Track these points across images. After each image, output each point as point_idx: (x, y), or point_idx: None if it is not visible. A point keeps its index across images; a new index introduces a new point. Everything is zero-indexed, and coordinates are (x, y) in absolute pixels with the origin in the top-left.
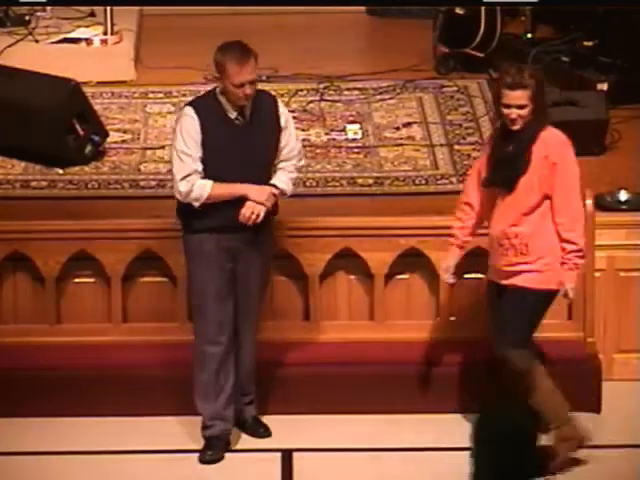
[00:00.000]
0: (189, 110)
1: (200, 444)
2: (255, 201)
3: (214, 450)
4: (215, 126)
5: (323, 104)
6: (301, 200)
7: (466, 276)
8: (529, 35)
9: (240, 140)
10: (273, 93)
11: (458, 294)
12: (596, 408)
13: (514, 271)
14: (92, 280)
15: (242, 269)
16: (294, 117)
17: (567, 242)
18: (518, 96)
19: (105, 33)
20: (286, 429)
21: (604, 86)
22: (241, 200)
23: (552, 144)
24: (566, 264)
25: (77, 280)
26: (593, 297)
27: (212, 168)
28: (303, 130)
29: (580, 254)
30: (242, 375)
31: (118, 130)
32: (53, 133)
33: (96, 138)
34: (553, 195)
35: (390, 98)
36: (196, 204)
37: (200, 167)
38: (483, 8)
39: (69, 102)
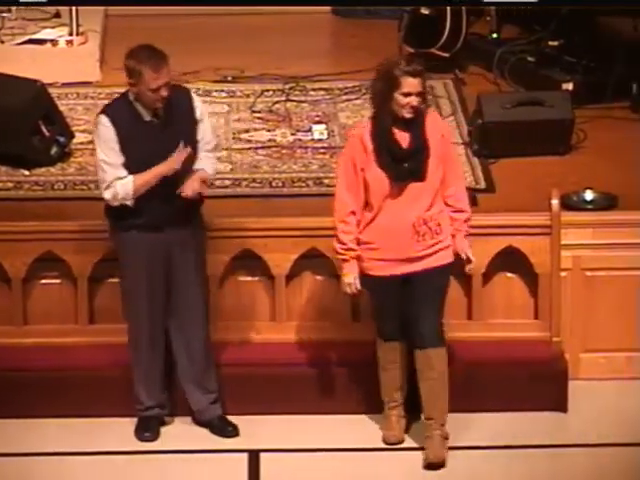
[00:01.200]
0: (103, 119)
1: (169, 445)
2: (171, 168)
3: (151, 431)
4: (131, 131)
5: (289, 104)
6: (267, 200)
7: None
8: (494, 35)
9: (157, 140)
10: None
11: None
12: (562, 407)
13: (429, 253)
14: (58, 281)
15: (177, 265)
16: (260, 117)
17: (460, 211)
18: (417, 83)
19: (70, 34)
20: (253, 429)
21: (569, 86)
22: (168, 197)
23: (440, 123)
24: (461, 232)
25: (44, 281)
26: (559, 297)
27: (135, 172)
28: (269, 130)
29: (469, 222)
30: (195, 372)
31: (84, 131)
32: (19, 134)
33: (62, 139)
34: (445, 169)
35: (356, 98)
36: (129, 202)
37: (123, 173)
38: (448, 9)
39: (35, 103)
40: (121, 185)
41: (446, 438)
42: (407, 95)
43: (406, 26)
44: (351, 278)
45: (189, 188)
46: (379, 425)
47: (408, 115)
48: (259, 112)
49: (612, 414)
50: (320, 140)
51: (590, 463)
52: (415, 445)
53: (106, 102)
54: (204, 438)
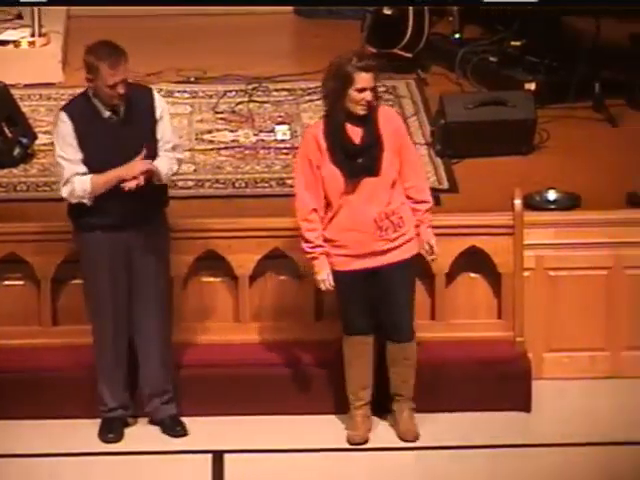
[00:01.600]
0: (62, 115)
1: (132, 446)
2: (130, 172)
3: (115, 433)
4: (90, 127)
5: (252, 105)
6: (230, 201)
7: None
8: (457, 35)
9: (116, 138)
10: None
11: None
12: (526, 407)
13: (394, 247)
14: (22, 283)
15: (138, 265)
16: (222, 118)
17: (422, 202)
18: (370, 78)
19: (33, 35)
20: (217, 430)
21: (532, 86)
22: (130, 198)
23: (393, 116)
24: (424, 223)
25: (7, 283)
26: (522, 296)
27: (94, 168)
28: (232, 131)
29: (431, 212)
30: (152, 372)
31: (46, 132)
32: None
33: (24, 140)
34: (402, 162)
35: (319, 99)
36: (86, 200)
37: (82, 169)
38: (411, 9)
39: None
40: (79, 182)
41: (414, 410)
42: (361, 91)
43: (369, 26)
44: (324, 275)
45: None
46: (344, 425)
47: (362, 111)
48: (222, 113)
49: (576, 414)
50: (283, 140)
51: (554, 462)
52: (382, 445)
53: None
54: (168, 439)
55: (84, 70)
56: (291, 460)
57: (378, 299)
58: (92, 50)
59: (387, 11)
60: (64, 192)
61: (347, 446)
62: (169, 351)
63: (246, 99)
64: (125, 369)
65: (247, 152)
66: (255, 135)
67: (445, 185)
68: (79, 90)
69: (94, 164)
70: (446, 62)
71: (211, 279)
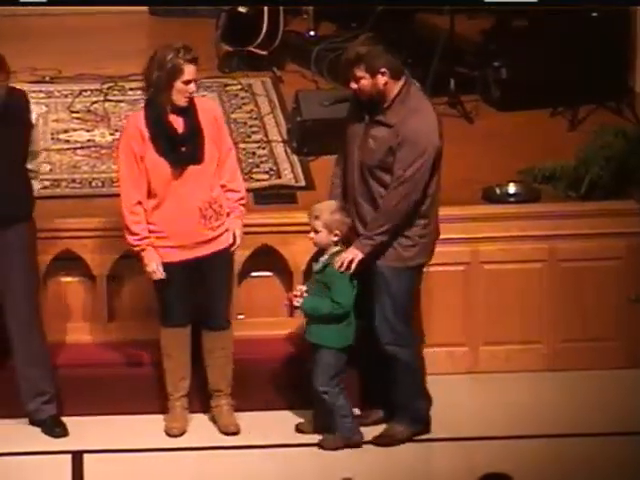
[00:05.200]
0: None
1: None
2: None
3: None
4: None
5: (107, 104)
6: (88, 201)
7: (254, 274)
8: (312, 32)
9: None
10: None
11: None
12: None
13: (215, 236)
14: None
15: (3, 268)
16: (78, 118)
17: (233, 191)
18: (195, 70)
19: None
20: (77, 431)
21: None
22: None
23: (211, 105)
24: (234, 212)
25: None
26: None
27: None
28: (88, 131)
29: (244, 201)
30: (30, 374)
31: None
32: None
33: None
34: (219, 150)
35: None
36: None
37: None
38: (265, 7)
39: None
40: None
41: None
42: (187, 83)
43: (223, 25)
44: (153, 266)
45: None
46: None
47: (185, 103)
48: (77, 112)
49: (454, 408)
50: None
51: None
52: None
53: None
54: (29, 439)
55: None
56: (150, 459)
57: (196, 287)
58: None
59: (242, 9)
60: None
61: (210, 444)
62: (46, 353)
63: (102, 98)
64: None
65: (103, 151)
66: (111, 134)
67: (302, 182)
68: None
69: None
70: (302, 59)
71: (68, 279)
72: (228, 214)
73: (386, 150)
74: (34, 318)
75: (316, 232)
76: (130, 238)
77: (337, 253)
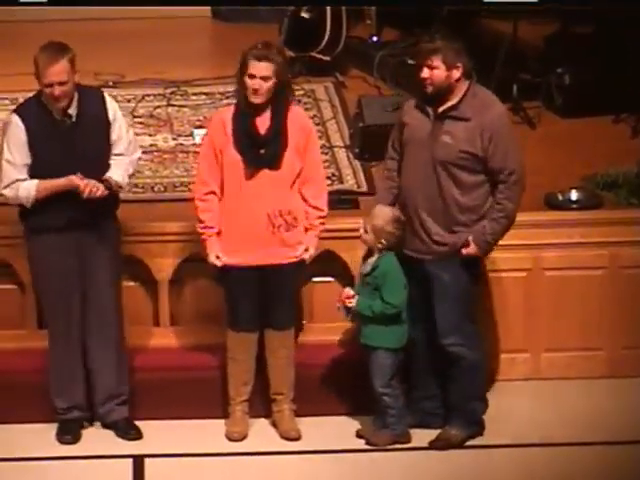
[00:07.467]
0: (14, 118)
1: (65, 451)
2: (73, 186)
3: (72, 434)
4: (42, 130)
5: (170, 109)
6: (150, 205)
7: (316, 279)
8: (375, 38)
9: (68, 141)
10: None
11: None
12: None
13: (285, 247)
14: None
15: (89, 265)
16: (141, 122)
17: (316, 209)
18: (263, 67)
19: None
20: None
21: None
22: (78, 199)
23: (302, 117)
24: (313, 230)
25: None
26: None
27: (43, 170)
28: (150, 135)
29: (324, 220)
30: (107, 374)
31: None
32: None
33: None
34: (305, 163)
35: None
36: (28, 205)
37: (24, 175)
38: (329, 11)
39: None
40: (24, 188)
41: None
42: (252, 77)
43: (286, 30)
44: (212, 257)
45: (82, 192)
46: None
47: (254, 99)
48: (140, 117)
49: (515, 415)
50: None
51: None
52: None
53: None
54: (90, 441)
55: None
56: (206, 465)
57: (263, 296)
58: (40, 48)
59: (305, 14)
60: (7, 193)
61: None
62: (123, 354)
63: (164, 103)
64: (80, 371)
65: (166, 156)
66: (174, 139)
67: (364, 188)
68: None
69: (43, 167)
70: (364, 65)
71: (131, 283)
72: (306, 229)
73: (466, 143)
74: (117, 318)
75: (366, 232)
76: (197, 226)
77: (384, 256)
